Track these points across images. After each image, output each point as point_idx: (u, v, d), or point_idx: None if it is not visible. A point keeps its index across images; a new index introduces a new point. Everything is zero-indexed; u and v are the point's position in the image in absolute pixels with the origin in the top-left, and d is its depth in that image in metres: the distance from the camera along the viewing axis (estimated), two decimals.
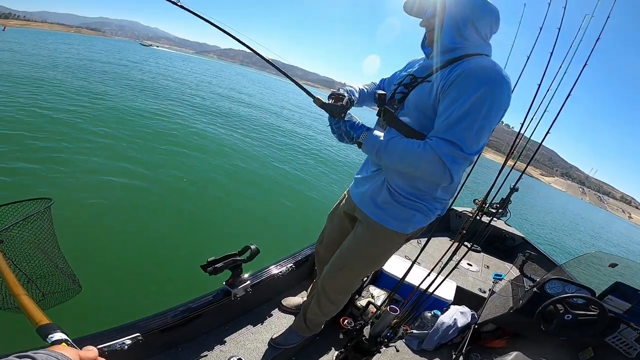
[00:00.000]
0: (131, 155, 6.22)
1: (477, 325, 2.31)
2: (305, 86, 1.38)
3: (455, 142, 1.02)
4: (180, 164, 6.45)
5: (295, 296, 2.17)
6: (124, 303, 2.81)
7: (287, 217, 5.76)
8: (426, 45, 1.26)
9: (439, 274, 1.67)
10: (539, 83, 1.54)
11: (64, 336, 0.71)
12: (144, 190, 4.98)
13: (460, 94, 1.02)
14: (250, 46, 1.30)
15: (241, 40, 1.28)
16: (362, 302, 2.13)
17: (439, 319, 2.27)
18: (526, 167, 1.77)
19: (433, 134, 1.08)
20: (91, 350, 0.59)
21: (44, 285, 1.32)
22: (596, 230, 29.37)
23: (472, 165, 1.25)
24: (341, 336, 1.78)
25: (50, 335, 0.71)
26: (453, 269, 1.69)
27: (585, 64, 1.55)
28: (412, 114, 1.20)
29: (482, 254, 3.96)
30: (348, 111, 1.21)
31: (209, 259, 1.61)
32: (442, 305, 2.38)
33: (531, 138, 2.00)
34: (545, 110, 1.72)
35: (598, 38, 1.47)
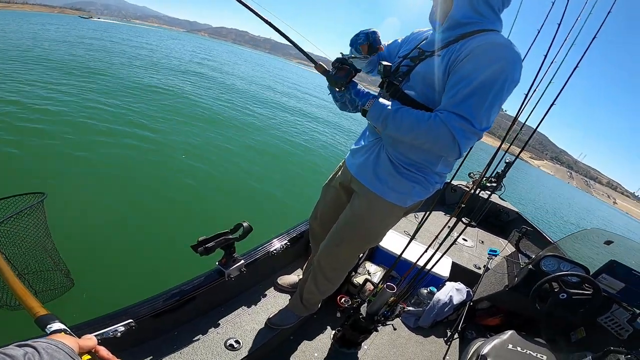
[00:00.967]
0: (115, 132, 6.04)
1: (472, 302, 2.31)
2: (298, 65, 1.27)
3: (467, 116, 1.01)
4: (168, 142, 6.28)
5: (290, 274, 2.13)
6: (116, 289, 2.74)
7: (281, 191, 5.66)
8: (435, 18, 1.19)
9: (436, 250, 1.64)
10: (545, 54, 1.48)
11: (62, 326, 0.73)
12: (130, 171, 4.84)
13: (474, 70, 1.00)
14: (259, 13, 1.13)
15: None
16: (358, 280, 2.11)
17: (435, 296, 2.26)
18: (521, 151, 1.75)
19: (443, 108, 1.05)
20: (90, 339, 0.60)
21: (37, 282, 1.33)
22: (580, 214, 30.01)
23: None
24: (338, 315, 1.76)
25: (49, 325, 0.73)
26: (451, 245, 1.65)
27: (594, 37, 1.49)
28: (418, 87, 1.16)
29: (476, 228, 3.95)
30: (353, 78, 1.14)
31: (199, 239, 1.55)
32: (438, 282, 2.37)
33: (526, 123, 1.97)
34: (543, 93, 1.68)
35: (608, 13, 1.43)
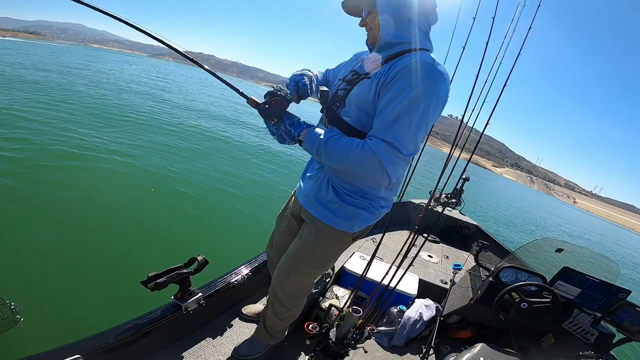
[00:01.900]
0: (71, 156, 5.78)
1: (443, 317, 2.31)
2: (266, 88, 1.25)
3: (393, 142, 1.00)
4: (120, 173, 5.99)
5: (256, 303, 2.06)
6: (65, 324, 2.54)
7: (239, 221, 5.52)
8: (368, 42, 1.23)
9: (399, 267, 1.63)
10: (476, 74, 1.55)
11: None
12: (75, 203, 4.53)
13: (398, 93, 1.00)
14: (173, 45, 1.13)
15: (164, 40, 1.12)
16: (326, 304, 2.07)
17: (405, 314, 2.25)
18: (471, 156, 1.78)
19: (372, 134, 1.05)
20: None
21: None
22: (544, 217, 31.43)
23: (416, 160, 1.26)
24: (308, 342, 1.70)
25: None
26: (413, 260, 1.66)
27: (519, 54, 1.58)
28: (353, 112, 1.16)
29: (441, 244, 4.04)
30: (287, 109, 1.12)
31: (149, 274, 1.46)
32: (407, 300, 2.36)
33: (475, 127, 2.03)
34: (484, 101, 1.74)
35: (530, 27, 1.51)
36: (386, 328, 2.24)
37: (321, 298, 2.19)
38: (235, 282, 1.90)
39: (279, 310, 1.60)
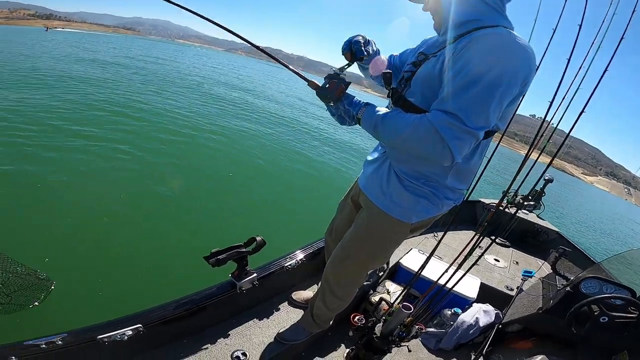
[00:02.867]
0: (136, 144, 6.43)
1: (502, 325, 2.15)
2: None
3: (455, 113, 0.91)
4: (188, 155, 6.59)
5: (306, 290, 2.10)
6: (127, 296, 2.86)
7: (300, 206, 5.71)
8: (435, 27, 1.16)
9: (458, 268, 1.54)
10: (568, 57, 1.37)
11: None
12: (149, 182, 5.09)
13: (465, 63, 0.92)
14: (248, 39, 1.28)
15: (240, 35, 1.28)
16: (376, 298, 2.05)
17: (459, 318, 2.14)
18: (552, 159, 1.60)
19: (433, 107, 0.98)
20: None
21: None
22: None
23: (490, 154, 1.17)
24: (351, 333, 1.70)
25: None
26: (474, 263, 1.56)
27: (622, 38, 1.36)
28: (419, 92, 1.12)
29: (511, 249, 3.72)
30: (346, 91, 1.12)
31: (212, 250, 1.57)
32: (464, 303, 2.24)
33: (560, 129, 1.81)
34: (574, 94, 1.54)
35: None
36: (435, 330, 2.15)
37: (371, 291, 2.17)
38: (289, 267, 1.95)
39: (329, 299, 1.60)
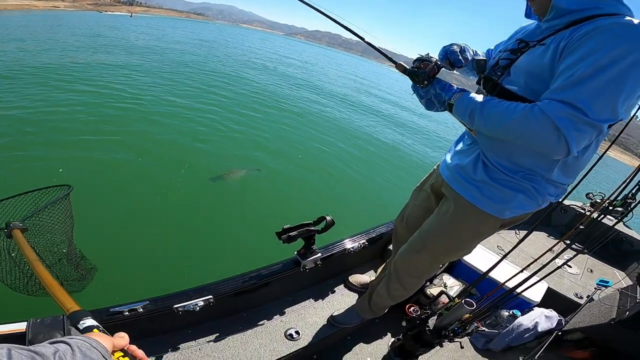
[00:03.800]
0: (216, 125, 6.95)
1: (561, 332, 2.06)
2: (390, 68, 1.31)
3: (575, 104, 0.84)
4: (267, 136, 6.92)
5: (363, 274, 2.13)
6: (199, 268, 3.17)
7: (369, 190, 5.74)
8: (533, 13, 1.08)
9: (533, 274, 1.47)
10: None
11: (95, 322, 0.71)
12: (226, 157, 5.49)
13: (592, 51, 0.84)
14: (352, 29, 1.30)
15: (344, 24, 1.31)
16: (432, 291, 2.05)
17: (516, 320, 2.08)
18: None
19: (545, 96, 0.91)
20: (122, 337, 0.61)
21: (62, 271, 1.32)
22: None
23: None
24: (404, 323, 1.71)
25: (81, 322, 0.71)
26: (553, 271, 1.47)
27: None
28: (521, 80, 1.03)
29: (587, 256, 3.43)
30: (437, 75, 1.11)
31: (284, 227, 1.62)
32: (525, 306, 2.17)
33: None
34: None
35: None
36: (487, 329, 2.10)
37: (428, 284, 2.16)
38: (351, 250, 1.96)
39: (394, 287, 1.60)
